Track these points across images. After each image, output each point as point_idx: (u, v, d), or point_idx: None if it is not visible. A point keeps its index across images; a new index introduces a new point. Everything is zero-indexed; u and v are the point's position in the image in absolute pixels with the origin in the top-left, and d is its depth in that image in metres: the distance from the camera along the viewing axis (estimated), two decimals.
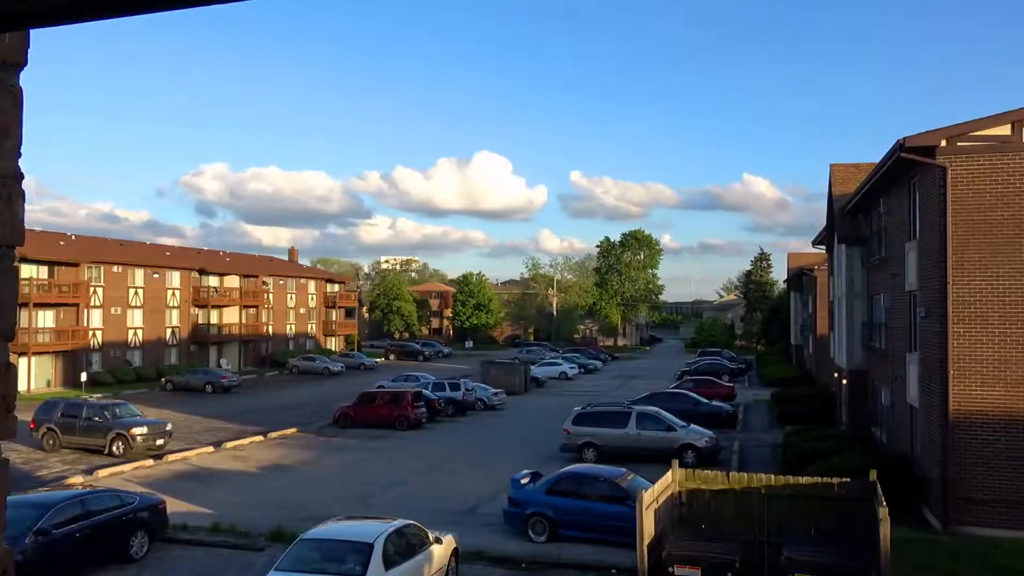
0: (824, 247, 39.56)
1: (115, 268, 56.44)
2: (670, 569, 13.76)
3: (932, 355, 18.53)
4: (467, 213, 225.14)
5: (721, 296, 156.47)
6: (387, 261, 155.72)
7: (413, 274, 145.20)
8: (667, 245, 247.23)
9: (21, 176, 2.10)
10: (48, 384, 49.57)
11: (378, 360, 74.93)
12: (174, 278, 62.04)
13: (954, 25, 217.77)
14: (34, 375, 48.22)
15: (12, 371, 2.04)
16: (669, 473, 16.06)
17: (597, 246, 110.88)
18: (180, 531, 18.19)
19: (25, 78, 2.15)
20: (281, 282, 75.78)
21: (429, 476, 25.55)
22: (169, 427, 29.85)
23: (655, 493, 14.81)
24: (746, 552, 14.47)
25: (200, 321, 64.20)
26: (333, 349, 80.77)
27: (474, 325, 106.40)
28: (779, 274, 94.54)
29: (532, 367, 57.28)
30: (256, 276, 71.08)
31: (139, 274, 58.53)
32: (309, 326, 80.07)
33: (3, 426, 2.02)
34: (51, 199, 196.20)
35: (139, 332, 58.31)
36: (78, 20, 1.84)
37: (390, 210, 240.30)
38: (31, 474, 24.87)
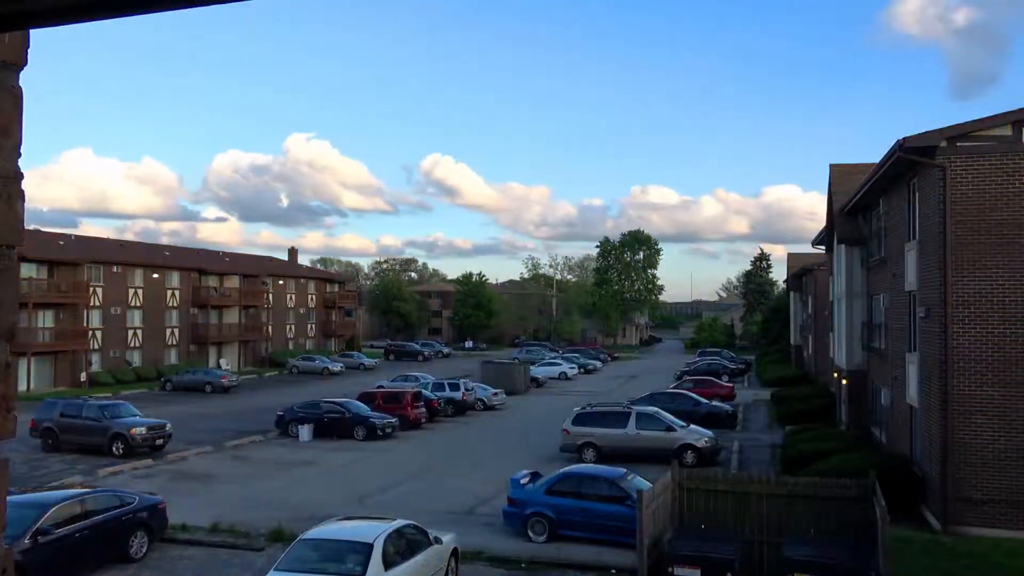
0: (824, 247, 39.58)
1: (115, 268, 56.43)
2: (670, 569, 13.76)
3: (932, 355, 18.54)
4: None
5: (721, 296, 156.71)
6: (387, 261, 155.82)
7: (413, 274, 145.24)
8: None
9: (21, 176, 2.10)
10: (50, 383, 49.53)
11: (377, 360, 74.94)
12: (174, 278, 62.04)
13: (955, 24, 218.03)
14: (34, 375, 48.19)
15: (12, 371, 2.04)
16: (669, 473, 16.08)
17: (597, 246, 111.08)
18: (179, 531, 18.19)
19: (24, 78, 2.15)
20: (281, 282, 75.77)
21: (429, 476, 25.56)
22: (169, 427, 29.81)
23: (655, 493, 14.81)
24: (746, 552, 14.49)
25: (200, 321, 64.20)
26: (333, 349, 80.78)
27: (474, 325, 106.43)
28: (779, 274, 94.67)
29: (532, 367, 57.24)
30: (256, 276, 71.10)
31: (139, 274, 58.52)
32: (309, 326, 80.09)
33: (3, 426, 2.02)
34: None
35: (139, 332, 58.29)
36: (78, 20, 1.84)
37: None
38: (31, 474, 24.85)
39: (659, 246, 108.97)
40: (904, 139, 18.31)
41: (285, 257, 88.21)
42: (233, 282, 68.13)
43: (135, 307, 58.00)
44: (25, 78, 2.14)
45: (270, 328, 72.68)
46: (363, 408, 34.25)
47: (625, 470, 19.59)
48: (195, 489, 23.40)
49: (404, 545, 13.53)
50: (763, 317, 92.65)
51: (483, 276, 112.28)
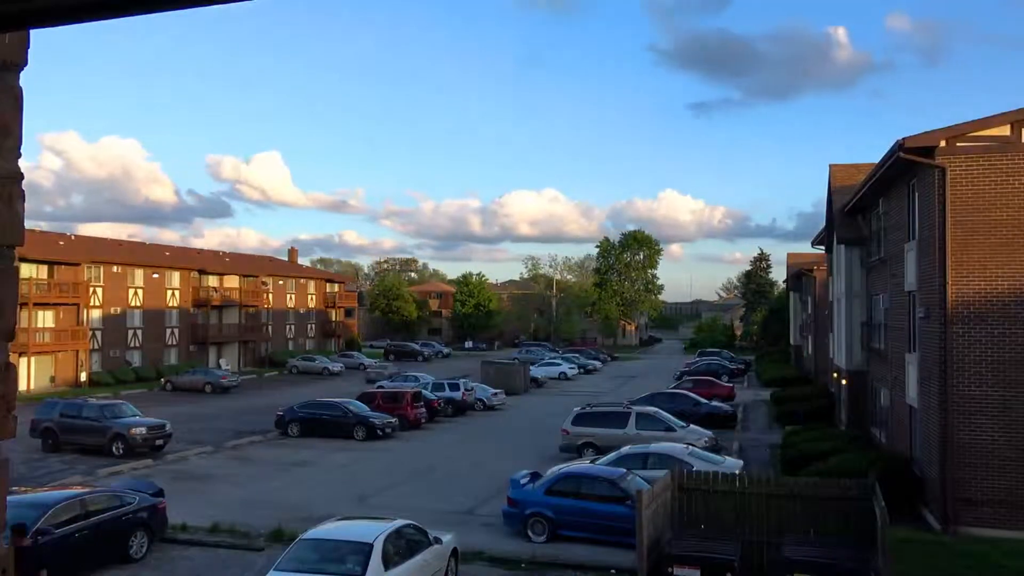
0: (823, 247, 39.58)
1: (115, 268, 56.43)
2: (670, 569, 13.76)
3: (931, 355, 18.54)
4: None
5: (721, 297, 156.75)
6: (387, 261, 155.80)
7: (413, 274, 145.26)
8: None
9: (21, 176, 2.11)
10: (51, 382, 49.52)
11: (377, 360, 74.90)
12: (174, 278, 62.04)
13: (954, 24, 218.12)
14: (34, 375, 48.18)
15: (12, 371, 2.05)
16: (668, 473, 16.08)
17: (597, 246, 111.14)
18: (179, 531, 18.19)
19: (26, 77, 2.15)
20: (281, 282, 75.77)
21: (428, 476, 25.56)
22: (169, 427, 29.81)
23: (655, 493, 14.81)
24: (746, 552, 14.49)
25: (200, 321, 64.20)
26: (333, 349, 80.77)
27: (473, 325, 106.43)
28: (779, 275, 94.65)
29: (532, 367, 57.24)
30: (256, 276, 71.12)
31: (139, 274, 58.51)
32: (309, 326, 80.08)
33: (3, 426, 2.03)
34: None
35: (139, 332, 58.29)
36: (78, 20, 1.84)
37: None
38: (31, 474, 24.85)
39: (659, 246, 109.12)
40: (903, 139, 18.31)
41: (285, 257, 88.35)
42: (233, 282, 68.14)
43: (135, 307, 58.00)
44: (25, 78, 2.15)
45: (270, 328, 72.68)
46: (363, 408, 34.26)
47: (624, 470, 19.59)
48: (195, 489, 23.39)
49: (404, 545, 13.54)
50: (763, 317, 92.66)
51: (482, 276, 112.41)
